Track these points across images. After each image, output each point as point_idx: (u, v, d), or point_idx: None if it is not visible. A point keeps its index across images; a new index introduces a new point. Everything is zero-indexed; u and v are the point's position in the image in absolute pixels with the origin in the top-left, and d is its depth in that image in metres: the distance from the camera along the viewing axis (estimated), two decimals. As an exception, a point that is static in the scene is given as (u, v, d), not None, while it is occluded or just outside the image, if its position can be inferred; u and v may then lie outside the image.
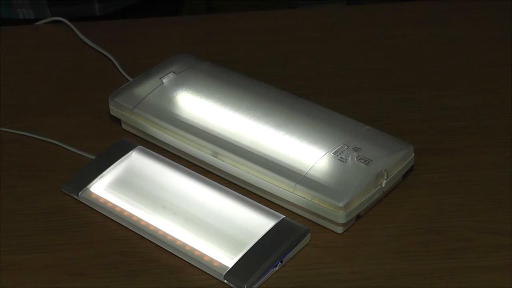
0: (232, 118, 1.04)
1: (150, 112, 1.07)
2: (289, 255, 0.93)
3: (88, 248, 0.96)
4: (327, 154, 0.98)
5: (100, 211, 0.99)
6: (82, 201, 1.01)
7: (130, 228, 0.97)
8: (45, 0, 1.38)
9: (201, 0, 1.70)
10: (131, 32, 1.34)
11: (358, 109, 1.14)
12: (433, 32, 1.30)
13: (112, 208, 0.99)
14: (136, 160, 1.04)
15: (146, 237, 0.96)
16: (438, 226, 0.97)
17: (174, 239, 0.95)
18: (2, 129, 1.12)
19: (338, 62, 1.25)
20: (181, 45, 1.29)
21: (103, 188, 1.01)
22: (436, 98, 1.16)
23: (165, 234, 0.95)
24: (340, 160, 0.97)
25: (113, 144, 1.07)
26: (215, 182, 1.01)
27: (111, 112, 1.11)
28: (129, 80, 1.18)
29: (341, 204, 0.93)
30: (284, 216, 0.96)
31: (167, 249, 0.94)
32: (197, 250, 0.93)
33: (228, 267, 0.91)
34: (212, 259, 0.92)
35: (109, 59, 1.24)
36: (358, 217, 0.97)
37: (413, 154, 1.01)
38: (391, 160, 0.98)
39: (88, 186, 1.01)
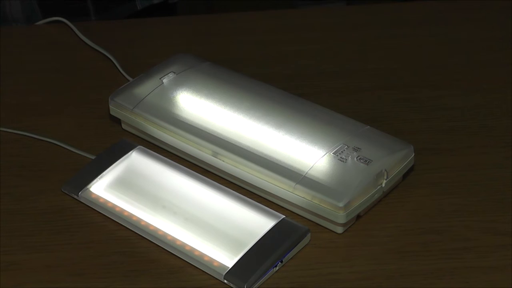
0: (232, 118, 1.04)
1: (150, 112, 1.07)
2: (289, 255, 0.93)
3: (88, 248, 0.96)
4: (327, 154, 0.98)
5: (100, 211, 0.99)
6: (82, 201, 1.01)
7: (130, 228, 0.97)
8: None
9: (201, 0, 1.70)
10: (131, 32, 1.34)
11: (358, 109, 1.14)
12: (433, 32, 1.30)
13: (112, 208, 0.99)
14: (136, 160, 1.04)
15: (146, 237, 0.96)
16: (438, 226, 0.97)
17: (174, 239, 0.95)
18: (2, 129, 1.12)
19: (338, 62, 1.25)
20: (181, 45, 1.29)
21: (103, 188, 1.01)
22: (436, 98, 1.16)
23: (165, 234, 0.95)
24: (340, 160, 0.97)
25: (113, 144, 1.07)
26: (215, 182, 1.01)
27: (111, 112, 1.11)
28: (129, 80, 1.18)
29: (341, 204, 0.93)
30: (284, 216, 0.96)
31: (167, 249, 0.94)
32: (197, 250, 0.93)
33: (228, 267, 0.91)
34: (212, 259, 0.92)
35: (109, 59, 1.24)
36: (358, 217, 0.97)
37: (413, 154, 1.01)
38: (391, 160, 0.98)
39: (88, 186, 1.01)
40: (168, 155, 1.06)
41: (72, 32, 1.30)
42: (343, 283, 0.91)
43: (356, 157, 0.97)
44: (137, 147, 1.05)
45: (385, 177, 0.97)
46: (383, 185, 0.98)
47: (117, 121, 1.12)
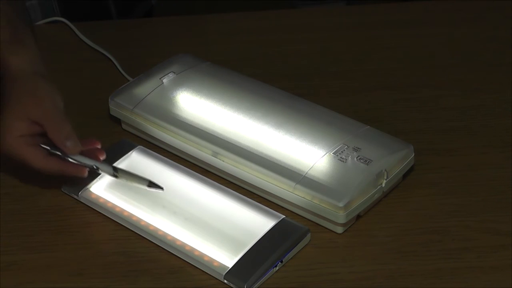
0: (232, 118, 1.04)
1: (150, 112, 1.07)
2: (289, 255, 0.93)
3: (88, 248, 0.96)
4: (327, 154, 0.98)
5: (100, 211, 0.99)
6: (82, 201, 1.01)
7: (130, 228, 0.97)
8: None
9: (201, 1, 1.69)
10: (131, 32, 1.34)
11: (358, 109, 1.14)
12: (433, 32, 1.30)
13: (112, 208, 0.99)
14: (136, 160, 1.04)
15: (146, 237, 0.96)
16: (438, 226, 0.97)
17: (174, 239, 0.95)
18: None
19: (338, 62, 1.25)
20: (181, 45, 1.29)
21: (103, 188, 1.01)
22: (436, 98, 1.16)
23: (165, 234, 0.95)
24: (340, 160, 0.97)
25: (113, 144, 1.07)
26: (215, 182, 1.01)
27: (111, 112, 1.11)
28: (129, 80, 1.18)
29: (341, 204, 0.93)
30: (284, 216, 0.96)
31: (167, 249, 0.94)
32: (197, 250, 0.93)
33: (228, 267, 0.91)
34: (212, 259, 0.92)
35: (109, 59, 1.24)
36: (358, 217, 0.97)
37: (413, 154, 1.01)
38: (391, 160, 0.98)
39: (88, 186, 1.01)
40: (168, 155, 1.06)
41: (72, 32, 1.30)
42: (343, 283, 0.91)
43: (356, 157, 0.97)
44: (137, 147, 1.05)
45: (385, 177, 0.97)
46: (383, 185, 0.98)
47: (117, 121, 1.12)
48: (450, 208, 0.99)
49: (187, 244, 0.94)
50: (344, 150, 0.98)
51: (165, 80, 1.10)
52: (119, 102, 1.09)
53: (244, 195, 0.99)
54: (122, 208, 0.98)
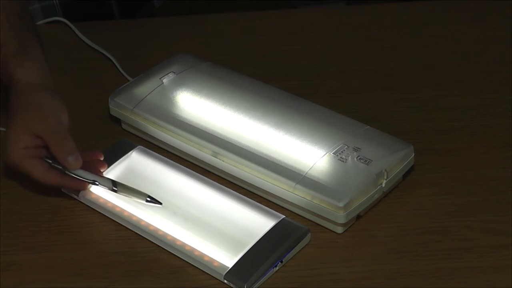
0: (232, 118, 1.04)
1: (150, 112, 1.07)
2: (289, 255, 0.93)
3: (88, 248, 0.96)
4: (327, 154, 0.98)
5: (100, 211, 0.99)
6: (82, 201, 1.01)
7: (130, 228, 0.97)
8: None
9: (201, 0, 1.70)
10: (131, 32, 1.34)
11: (358, 109, 1.14)
12: (433, 32, 1.30)
13: (112, 208, 0.99)
14: (136, 160, 1.04)
15: (146, 237, 0.96)
16: (438, 226, 0.97)
17: (174, 239, 0.95)
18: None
19: (338, 62, 1.25)
20: (181, 45, 1.29)
21: (103, 188, 1.01)
22: (436, 98, 1.16)
23: (165, 234, 0.95)
24: (340, 160, 0.97)
25: (113, 144, 1.07)
26: (215, 182, 1.01)
27: (111, 112, 1.11)
28: (129, 80, 1.18)
29: (341, 204, 0.93)
30: (284, 216, 0.96)
31: (167, 249, 0.94)
32: (197, 250, 0.93)
33: (228, 267, 0.91)
34: (212, 259, 0.92)
35: (109, 59, 1.24)
36: (358, 217, 0.97)
37: (413, 154, 1.01)
38: (391, 160, 0.98)
39: (88, 186, 1.01)
40: (168, 155, 1.06)
41: (72, 32, 1.30)
42: (343, 283, 0.91)
43: (356, 157, 0.97)
44: (137, 147, 1.05)
45: (385, 177, 0.97)
46: (383, 185, 0.98)
47: (117, 121, 1.12)
48: (450, 208, 0.99)
49: (187, 244, 0.94)
50: (344, 150, 0.98)
51: (165, 80, 1.10)
52: (119, 102, 1.09)
53: (244, 195, 0.99)
54: (122, 208, 0.98)
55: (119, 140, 1.08)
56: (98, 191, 1.01)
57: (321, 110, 1.05)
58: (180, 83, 1.10)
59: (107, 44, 1.27)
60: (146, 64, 1.16)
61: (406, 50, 1.27)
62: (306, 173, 0.97)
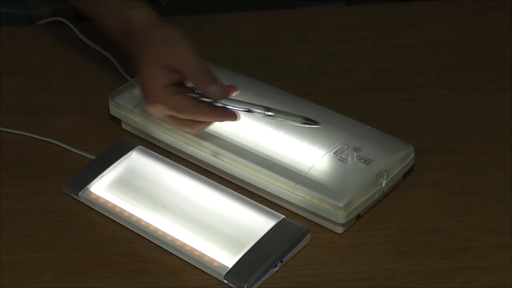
0: (232, 118, 1.04)
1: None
2: (289, 255, 0.93)
3: (88, 248, 0.96)
4: (327, 154, 0.98)
5: (100, 211, 0.99)
6: (82, 201, 1.01)
7: (130, 228, 0.97)
8: None
9: (201, 0, 1.69)
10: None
11: (358, 109, 1.14)
12: (433, 32, 1.30)
13: (112, 208, 0.99)
14: (136, 160, 1.04)
15: (146, 237, 0.96)
16: (438, 226, 0.97)
17: (174, 239, 0.95)
18: (2, 129, 1.12)
19: (338, 62, 1.25)
20: (181, 45, 1.28)
21: (103, 188, 1.01)
22: (436, 98, 1.16)
23: (165, 234, 0.95)
24: (340, 160, 0.97)
25: (113, 144, 1.07)
26: (215, 182, 1.01)
27: (111, 112, 1.11)
28: (129, 80, 1.18)
29: (341, 204, 0.93)
30: (284, 216, 0.96)
31: (167, 249, 0.94)
32: (197, 250, 0.93)
33: (228, 267, 0.91)
34: (212, 259, 0.92)
35: (109, 59, 1.24)
36: (358, 217, 0.97)
37: (413, 154, 1.01)
38: (391, 160, 0.98)
39: (88, 186, 1.01)
40: (168, 155, 1.06)
41: (72, 32, 1.30)
42: (343, 283, 0.91)
43: (356, 157, 0.97)
44: (137, 147, 1.05)
45: (385, 177, 0.97)
46: (383, 185, 0.98)
47: (117, 121, 1.12)
48: (450, 208, 0.99)
49: (187, 244, 0.94)
50: (344, 150, 0.98)
51: (165, 80, 1.10)
52: (119, 102, 1.09)
53: (244, 195, 0.99)
54: (122, 208, 0.98)
55: (119, 140, 1.08)
56: (98, 191, 1.01)
57: (321, 110, 1.05)
58: (180, 83, 1.09)
59: (107, 44, 1.27)
60: (146, 64, 1.16)
61: (406, 50, 1.27)
62: (306, 173, 0.97)
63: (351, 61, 1.25)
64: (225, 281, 0.91)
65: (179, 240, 0.94)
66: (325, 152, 0.98)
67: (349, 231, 0.97)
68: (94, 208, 1.00)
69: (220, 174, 1.04)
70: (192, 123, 0.96)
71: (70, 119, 1.14)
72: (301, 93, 1.10)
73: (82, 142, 1.09)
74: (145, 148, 1.06)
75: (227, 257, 0.92)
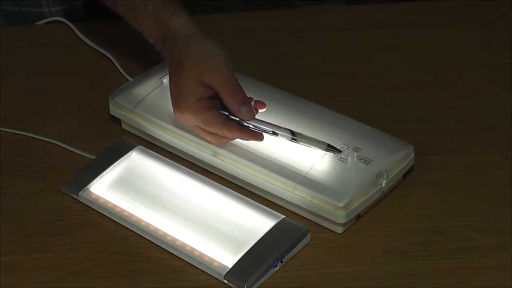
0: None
1: (150, 112, 1.07)
2: (289, 255, 0.93)
3: (88, 248, 0.96)
4: (327, 154, 0.98)
5: (100, 211, 0.99)
6: (82, 201, 1.01)
7: (130, 228, 0.97)
8: None
9: (201, 0, 1.70)
10: (131, 32, 1.34)
11: (358, 109, 1.14)
12: (433, 32, 1.30)
13: (112, 208, 0.99)
14: (136, 160, 1.04)
15: (146, 237, 0.96)
16: (438, 226, 0.97)
17: (174, 239, 0.95)
18: (2, 129, 1.12)
19: (338, 62, 1.25)
20: (181, 45, 1.28)
21: (103, 188, 1.01)
22: (436, 98, 1.16)
23: (165, 234, 0.95)
24: (340, 160, 0.97)
25: (113, 144, 1.07)
26: (215, 182, 1.01)
27: (111, 112, 1.11)
28: (129, 80, 1.18)
29: (341, 204, 0.93)
30: (284, 216, 0.96)
31: (167, 249, 0.94)
32: (197, 250, 0.93)
33: (228, 267, 0.91)
34: (212, 259, 0.92)
35: (109, 59, 1.24)
36: (358, 217, 0.97)
37: (413, 154, 1.01)
38: (391, 160, 0.98)
39: (88, 186, 1.01)
40: (168, 155, 1.06)
41: (72, 32, 1.30)
42: (343, 283, 0.91)
43: (356, 157, 0.97)
44: (137, 147, 1.05)
45: (385, 177, 0.97)
46: (383, 185, 0.98)
47: (117, 121, 1.12)
48: (450, 208, 0.99)
49: (187, 244, 0.94)
50: (344, 150, 0.98)
51: (165, 80, 1.10)
52: (119, 102, 1.09)
53: (244, 195, 0.99)
54: (122, 208, 0.98)
55: (119, 140, 1.08)
56: (98, 191, 1.01)
57: (321, 110, 1.05)
58: (180, 83, 1.09)
59: (107, 44, 1.27)
60: (146, 64, 1.16)
61: (406, 50, 1.27)
62: (306, 173, 0.97)
63: (351, 61, 1.25)
64: (225, 281, 0.91)
65: (179, 240, 0.94)
66: (325, 152, 0.98)
67: (349, 231, 0.97)
68: (94, 208, 1.00)
69: (220, 174, 1.04)
70: (218, 136, 0.99)
71: (70, 119, 1.14)
72: (301, 93, 1.10)
73: (82, 142, 1.09)
74: (145, 148, 1.06)
75: (227, 257, 0.92)
